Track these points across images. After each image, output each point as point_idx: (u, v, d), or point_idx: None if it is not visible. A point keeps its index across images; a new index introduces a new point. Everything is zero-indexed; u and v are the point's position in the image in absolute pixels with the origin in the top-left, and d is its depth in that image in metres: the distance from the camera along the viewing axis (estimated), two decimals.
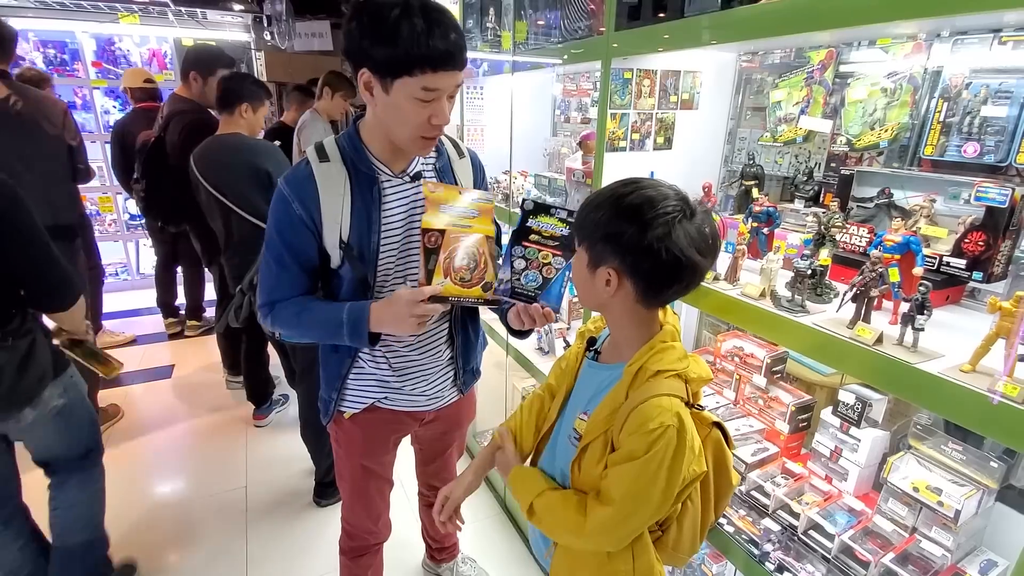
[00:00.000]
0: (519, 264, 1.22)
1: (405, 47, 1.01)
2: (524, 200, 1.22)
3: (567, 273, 1.23)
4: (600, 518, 0.95)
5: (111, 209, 4.67)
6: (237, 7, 4.46)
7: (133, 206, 4.25)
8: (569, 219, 1.21)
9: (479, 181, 1.42)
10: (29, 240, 1.44)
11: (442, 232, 1.16)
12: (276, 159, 2.34)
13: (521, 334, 1.36)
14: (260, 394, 3.02)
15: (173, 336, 4.04)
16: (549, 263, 1.23)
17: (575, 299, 2.22)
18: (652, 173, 1.62)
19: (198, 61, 2.73)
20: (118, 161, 3.52)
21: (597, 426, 0.99)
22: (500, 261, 1.23)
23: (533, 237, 1.21)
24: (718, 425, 1.05)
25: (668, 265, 0.88)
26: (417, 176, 1.26)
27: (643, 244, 0.87)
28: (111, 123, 4.18)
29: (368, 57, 1.05)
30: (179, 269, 3.91)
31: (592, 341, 1.14)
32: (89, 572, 1.84)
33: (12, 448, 1.63)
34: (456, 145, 1.38)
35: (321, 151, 1.20)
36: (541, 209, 1.22)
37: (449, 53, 1.03)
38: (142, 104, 3.55)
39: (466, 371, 1.49)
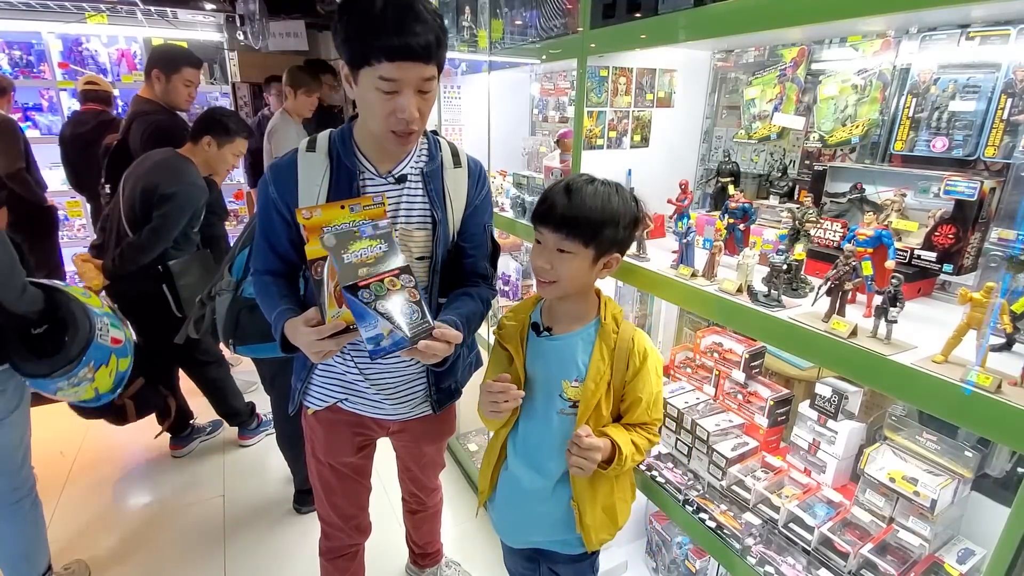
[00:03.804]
0: (385, 307, 1.02)
1: (362, 36, 1.01)
2: (323, 236, 1.04)
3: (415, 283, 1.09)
4: (656, 430, 1.28)
5: (80, 214, 4.55)
6: (209, 6, 4.36)
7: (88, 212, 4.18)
8: (378, 232, 1.08)
9: (473, 194, 1.32)
10: None
11: (324, 259, 1.06)
12: (178, 182, 2.24)
13: (442, 362, 1.22)
14: (179, 423, 2.75)
15: None
16: (402, 287, 1.06)
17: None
18: (629, 171, 1.62)
19: (162, 59, 2.63)
20: (64, 164, 3.61)
21: (601, 380, 1.20)
22: (355, 321, 1.02)
23: (363, 272, 1.03)
24: None
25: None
26: (402, 179, 1.24)
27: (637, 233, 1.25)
28: None
29: (341, 50, 1.07)
30: None
31: (534, 326, 1.29)
32: None
33: None
34: (455, 153, 1.31)
35: (312, 141, 1.23)
36: (345, 238, 1.05)
37: (406, 44, 1.01)
38: (84, 106, 3.54)
39: (440, 389, 1.43)
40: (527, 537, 1.40)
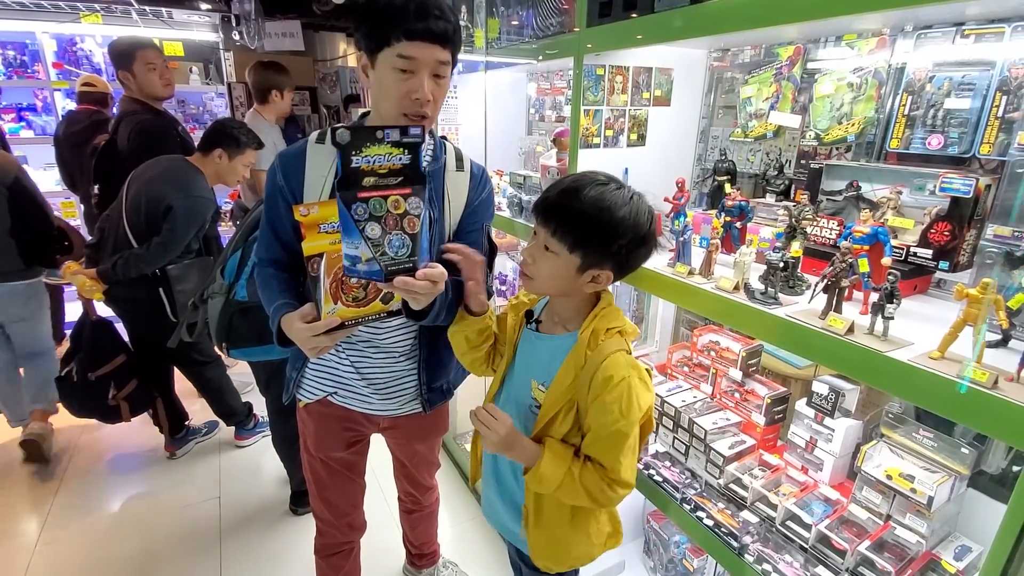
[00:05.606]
0: (373, 230, 0.91)
1: (381, 18, 1.07)
2: (336, 131, 0.89)
3: (427, 213, 0.97)
4: (624, 483, 1.08)
5: (74, 215, 4.52)
6: (204, 6, 4.34)
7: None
8: (405, 139, 0.92)
9: (473, 195, 1.31)
10: None
11: (321, 255, 1.05)
12: (187, 195, 2.25)
13: (421, 315, 1.15)
14: (174, 424, 2.76)
15: None
16: (405, 212, 0.92)
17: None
18: (626, 170, 1.62)
19: (116, 58, 2.59)
20: (58, 164, 3.62)
21: (562, 395, 1.10)
22: (342, 233, 0.92)
23: (369, 182, 0.90)
24: None
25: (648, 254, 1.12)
26: None
27: (646, 255, 1.11)
28: None
29: (360, 40, 1.12)
30: None
31: (528, 313, 1.25)
32: None
33: None
34: (460, 158, 1.32)
35: (323, 134, 1.25)
36: (363, 138, 0.89)
37: (427, 27, 1.06)
38: (80, 106, 3.53)
39: (431, 388, 1.42)
40: (499, 521, 1.35)
